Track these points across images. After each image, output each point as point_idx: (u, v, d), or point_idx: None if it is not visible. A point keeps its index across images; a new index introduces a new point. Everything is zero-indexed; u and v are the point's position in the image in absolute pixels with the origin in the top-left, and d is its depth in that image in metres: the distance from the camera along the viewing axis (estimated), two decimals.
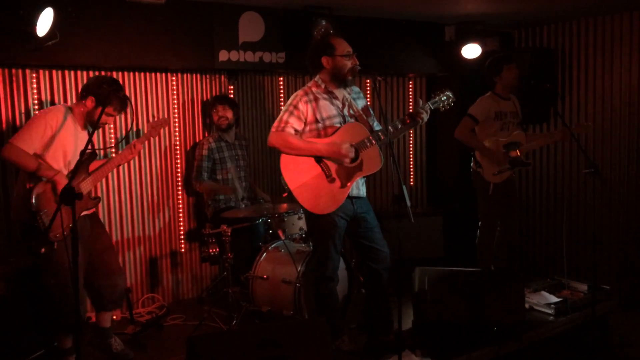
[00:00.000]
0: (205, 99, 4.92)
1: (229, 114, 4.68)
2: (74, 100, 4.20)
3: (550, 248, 5.63)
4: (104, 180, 4.47)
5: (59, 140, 3.32)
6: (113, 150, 4.43)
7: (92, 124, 3.44)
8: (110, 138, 4.48)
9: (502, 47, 5.62)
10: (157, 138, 4.67)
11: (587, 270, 4.95)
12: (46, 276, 3.35)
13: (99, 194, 4.47)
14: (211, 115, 4.73)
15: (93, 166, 3.54)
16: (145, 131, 3.73)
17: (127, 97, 3.26)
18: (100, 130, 4.41)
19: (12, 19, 3.48)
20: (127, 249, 4.64)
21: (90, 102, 3.37)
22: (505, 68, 4.54)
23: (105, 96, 3.31)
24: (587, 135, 5.20)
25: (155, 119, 3.74)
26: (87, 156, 3.40)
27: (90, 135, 2.99)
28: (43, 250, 3.26)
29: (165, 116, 4.68)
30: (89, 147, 3.47)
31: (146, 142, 4.57)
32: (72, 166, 3.40)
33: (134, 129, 4.57)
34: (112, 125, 4.47)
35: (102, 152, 4.32)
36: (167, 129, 4.71)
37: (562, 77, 5.45)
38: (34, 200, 3.24)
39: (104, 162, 3.57)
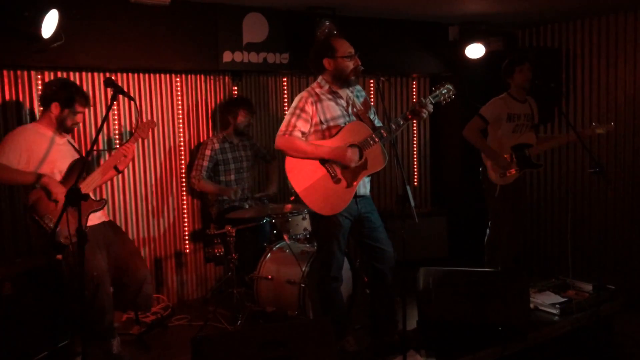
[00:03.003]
0: (209, 100, 4.93)
1: (250, 119, 4.77)
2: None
3: (555, 248, 5.62)
4: (109, 182, 4.48)
5: (42, 154, 3.35)
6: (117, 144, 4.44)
7: (65, 129, 3.48)
8: (115, 139, 4.50)
9: (506, 47, 5.61)
10: (161, 139, 4.70)
11: (592, 270, 4.94)
12: (78, 288, 3.35)
13: (104, 196, 4.49)
14: (234, 116, 4.69)
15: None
16: (135, 133, 3.75)
17: (124, 93, 3.27)
18: (105, 130, 4.43)
19: (17, 21, 3.50)
20: None
21: (55, 108, 3.40)
22: (517, 70, 4.52)
23: (69, 96, 3.34)
24: (592, 137, 5.18)
25: (144, 121, 3.80)
26: (75, 163, 3.43)
27: (95, 138, 2.99)
28: (60, 257, 3.27)
29: (172, 123, 4.71)
30: (76, 153, 3.51)
31: (151, 144, 4.60)
32: (63, 173, 3.42)
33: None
34: (116, 126, 4.49)
35: (108, 153, 4.35)
36: (171, 129, 4.73)
37: (567, 77, 5.44)
38: (32, 208, 3.26)
39: (100, 168, 3.60)
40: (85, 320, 3.37)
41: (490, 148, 4.53)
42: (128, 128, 4.52)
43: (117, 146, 4.44)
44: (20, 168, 3.30)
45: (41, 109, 3.53)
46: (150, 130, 3.92)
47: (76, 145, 3.68)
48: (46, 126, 3.46)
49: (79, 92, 3.45)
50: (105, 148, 4.42)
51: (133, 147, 3.68)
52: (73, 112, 3.42)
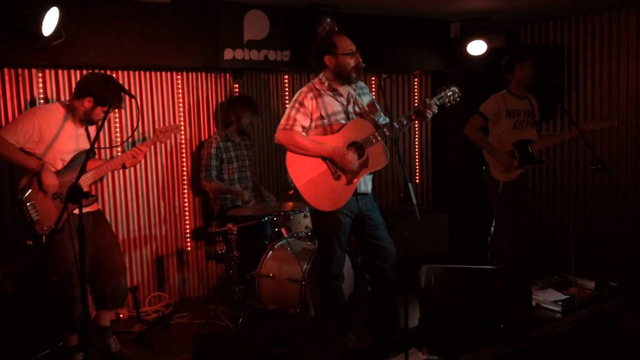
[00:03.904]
0: (210, 97, 4.92)
1: (254, 121, 4.74)
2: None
3: (558, 245, 5.61)
4: (110, 180, 4.48)
5: (51, 138, 3.32)
6: (119, 149, 4.44)
7: (89, 121, 3.45)
8: (116, 137, 4.49)
9: (508, 44, 5.61)
10: None
11: (594, 268, 4.93)
12: (49, 272, 3.36)
13: (106, 194, 4.49)
14: (238, 116, 4.66)
15: (90, 165, 3.53)
16: (152, 135, 3.72)
17: (125, 91, 3.25)
18: (106, 128, 4.43)
19: (18, 19, 3.49)
20: (134, 248, 4.65)
21: (88, 102, 3.37)
22: (518, 66, 4.50)
23: (106, 97, 3.32)
24: (594, 131, 5.16)
25: (165, 125, 3.74)
26: (83, 153, 3.42)
27: (96, 136, 2.99)
28: (30, 242, 3.27)
29: (172, 121, 4.67)
30: (89, 144, 3.51)
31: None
32: (66, 162, 3.41)
33: (139, 129, 4.57)
34: (117, 125, 4.48)
35: (107, 151, 4.34)
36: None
37: (569, 74, 5.43)
38: (20, 192, 3.26)
39: (102, 163, 3.58)
40: (55, 307, 3.37)
41: (491, 145, 4.52)
42: (129, 126, 4.52)
43: (119, 143, 4.43)
44: (28, 147, 3.28)
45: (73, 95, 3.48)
46: (173, 135, 3.83)
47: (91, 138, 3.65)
48: (67, 113, 3.42)
49: (117, 94, 3.40)
50: (111, 146, 4.42)
51: (145, 150, 3.64)
52: (103, 111, 3.41)
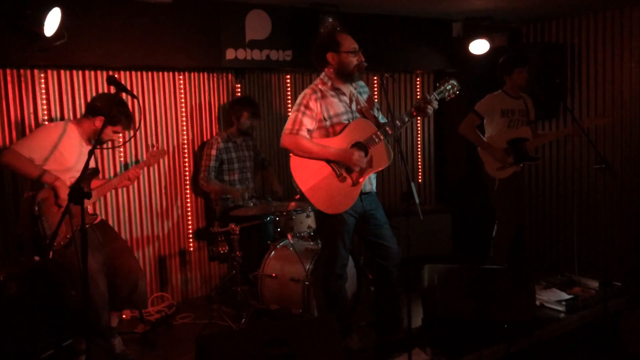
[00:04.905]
0: (212, 97, 4.92)
1: (254, 122, 4.75)
2: (82, 100, 4.26)
3: (561, 244, 5.59)
4: None
5: (61, 154, 3.39)
6: (121, 150, 4.44)
7: (97, 140, 3.48)
8: (119, 137, 4.49)
9: (510, 43, 5.59)
10: (165, 137, 4.68)
11: (598, 267, 4.92)
12: (66, 288, 3.37)
13: (108, 195, 4.48)
14: (238, 116, 4.67)
15: (93, 184, 3.63)
16: (145, 158, 3.81)
17: (127, 91, 3.29)
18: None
19: (20, 20, 3.50)
20: (137, 249, 4.65)
21: (99, 122, 3.47)
22: (517, 71, 4.53)
23: (117, 116, 3.45)
24: (597, 129, 5.16)
25: (155, 149, 3.86)
26: (91, 171, 3.45)
27: (91, 151, 2.91)
28: (37, 258, 3.30)
29: (174, 121, 4.71)
30: (94, 163, 3.56)
31: (155, 142, 4.61)
32: (74, 180, 3.43)
33: (142, 129, 4.58)
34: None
35: (110, 151, 4.35)
36: (174, 128, 4.72)
37: (572, 73, 5.41)
38: (36, 205, 3.27)
39: (103, 183, 3.67)
40: (78, 318, 3.39)
41: (486, 142, 4.56)
42: (136, 127, 4.51)
43: (121, 144, 4.43)
44: (39, 163, 3.32)
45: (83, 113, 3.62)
46: (175, 137, 3.92)
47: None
48: (81, 132, 3.53)
49: (127, 114, 3.54)
50: (113, 147, 4.42)
51: (139, 173, 3.74)
52: (114, 131, 3.54)
